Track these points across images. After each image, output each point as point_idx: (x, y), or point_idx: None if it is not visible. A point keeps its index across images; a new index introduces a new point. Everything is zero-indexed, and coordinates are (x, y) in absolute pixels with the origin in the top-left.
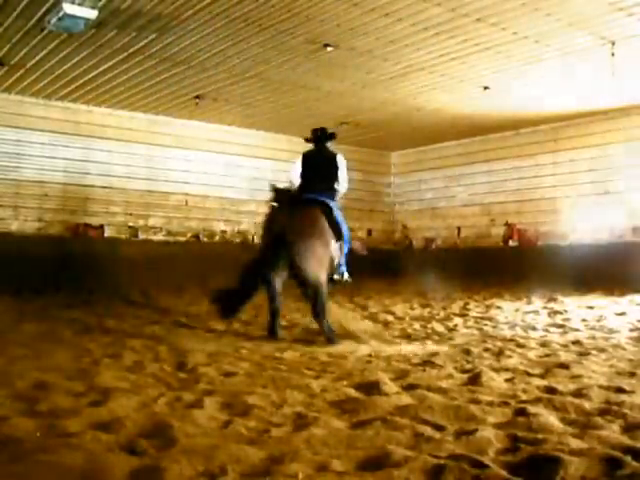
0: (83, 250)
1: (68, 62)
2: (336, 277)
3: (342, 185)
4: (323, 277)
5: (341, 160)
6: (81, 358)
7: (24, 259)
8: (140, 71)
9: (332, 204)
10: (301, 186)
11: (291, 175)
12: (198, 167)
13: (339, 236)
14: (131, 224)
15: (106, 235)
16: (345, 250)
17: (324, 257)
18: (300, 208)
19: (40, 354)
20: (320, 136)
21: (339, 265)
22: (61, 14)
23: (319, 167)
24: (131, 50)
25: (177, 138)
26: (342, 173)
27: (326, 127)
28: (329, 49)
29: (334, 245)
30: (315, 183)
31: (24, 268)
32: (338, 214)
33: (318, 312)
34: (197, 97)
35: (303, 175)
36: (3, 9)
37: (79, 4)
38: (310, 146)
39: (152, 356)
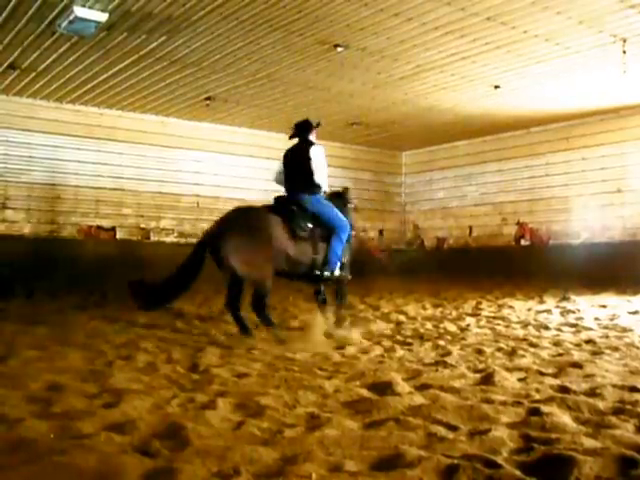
0: (95, 252)
1: (79, 65)
2: (325, 274)
3: (317, 177)
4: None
5: (315, 151)
6: (94, 360)
7: (36, 262)
8: (151, 73)
9: (305, 201)
10: (285, 188)
11: (273, 178)
12: (209, 169)
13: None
14: (143, 226)
15: (118, 237)
16: (336, 246)
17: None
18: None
19: (53, 356)
20: (299, 129)
21: (325, 262)
22: (72, 17)
23: (295, 164)
24: (141, 52)
25: (188, 140)
26: (315, 164)
27: (308, 119)
28: (339, 50)
29: (287, 242)
30: (294, 182)
31: (37, 271)
32: (318, 208)
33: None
34: (207, 99)
35: (285, 175)
36: (14, 13)
37: (90, 7)
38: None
39: (165, 357)
